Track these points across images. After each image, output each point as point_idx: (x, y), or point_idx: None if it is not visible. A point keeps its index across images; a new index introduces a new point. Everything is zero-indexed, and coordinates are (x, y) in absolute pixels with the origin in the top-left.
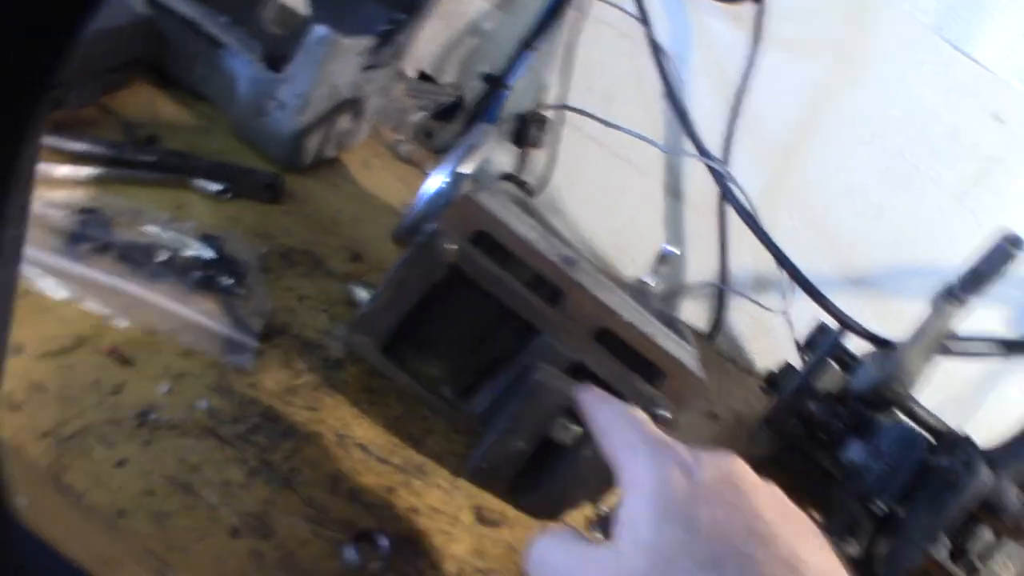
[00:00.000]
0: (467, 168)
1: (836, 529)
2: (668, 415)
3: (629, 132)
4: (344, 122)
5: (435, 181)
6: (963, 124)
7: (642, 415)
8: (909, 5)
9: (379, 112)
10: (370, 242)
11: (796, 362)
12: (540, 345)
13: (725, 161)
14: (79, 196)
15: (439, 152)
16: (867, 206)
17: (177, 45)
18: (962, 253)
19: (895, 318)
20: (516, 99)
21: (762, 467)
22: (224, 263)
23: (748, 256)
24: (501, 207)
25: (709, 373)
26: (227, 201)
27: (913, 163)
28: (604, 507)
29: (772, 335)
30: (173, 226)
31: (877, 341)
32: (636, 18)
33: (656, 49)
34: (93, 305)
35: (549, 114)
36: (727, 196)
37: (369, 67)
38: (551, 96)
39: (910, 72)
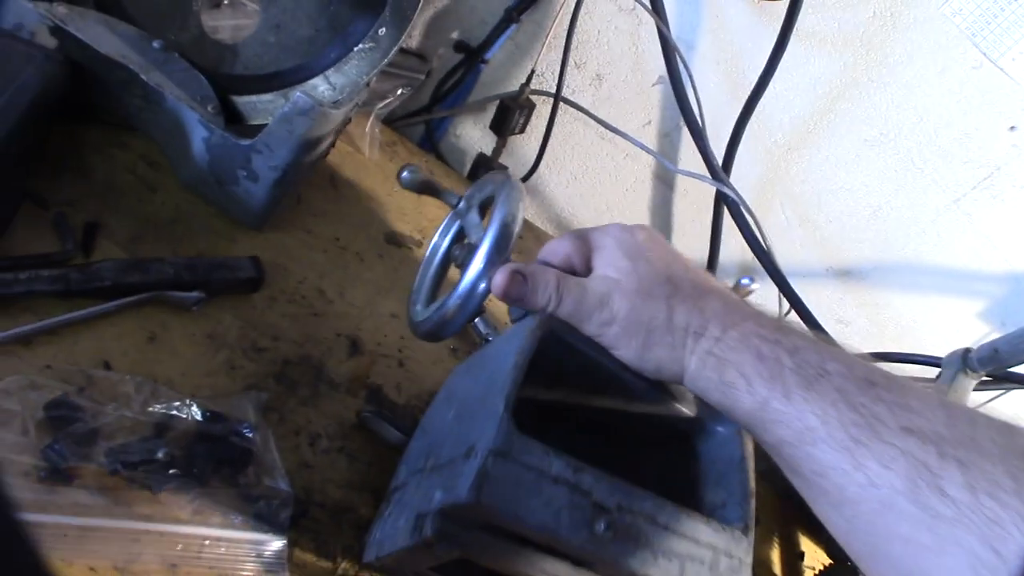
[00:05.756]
0: (502, 258)
1: None
2: None
3: (633, 141)
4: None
5: (471, 279)
6: (976, 131)
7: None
8: (949, 9)
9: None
10: (364, 316)
11: None
12: None
13: (729, 160)
14: (35, 372)
15: (400, 130)
16: (863, 206)
17: (100, 78)
18: (949, 253)
19: (873, 308)
20: (491, 73)
21: None
22: (224, 443)
23: (736, 249)
24: (515, 482)
25: None
26: (203, 311)
27: (919, 167)
28: None
29: None
30: (162, 399)
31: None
32: (645, 7)
33: (664, 36)
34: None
35: (534, 99)
36: (728, 210)
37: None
38: (528, 70)
39: (933, 76)
